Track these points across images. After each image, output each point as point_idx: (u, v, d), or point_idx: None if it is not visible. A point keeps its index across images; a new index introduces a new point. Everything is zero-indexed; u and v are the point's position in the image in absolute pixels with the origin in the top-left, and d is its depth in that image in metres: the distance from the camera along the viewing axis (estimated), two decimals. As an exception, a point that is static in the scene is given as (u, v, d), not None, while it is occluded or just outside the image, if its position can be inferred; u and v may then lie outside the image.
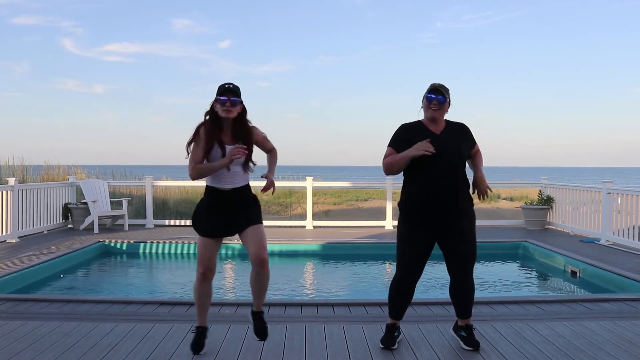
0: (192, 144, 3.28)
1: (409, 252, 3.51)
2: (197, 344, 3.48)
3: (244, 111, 3.32)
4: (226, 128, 3.29)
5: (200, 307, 3.49)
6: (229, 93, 3.22)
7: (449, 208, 3.44)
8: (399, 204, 3.60)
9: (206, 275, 3.35)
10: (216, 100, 3.25)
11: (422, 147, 3.32)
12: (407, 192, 3.54)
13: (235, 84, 3.29)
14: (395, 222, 10.59)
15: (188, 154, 3.29)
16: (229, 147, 3.25)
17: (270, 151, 3.55)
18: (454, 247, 3.51)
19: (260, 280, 3.36)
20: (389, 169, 3.51)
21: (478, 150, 3.66)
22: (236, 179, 3.31)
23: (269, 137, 3.51)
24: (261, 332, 3.44)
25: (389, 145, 3.56)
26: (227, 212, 3.31)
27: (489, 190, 3.52)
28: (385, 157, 3.54)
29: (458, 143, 3.48)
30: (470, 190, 3.54)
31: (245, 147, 3.24)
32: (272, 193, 3.48)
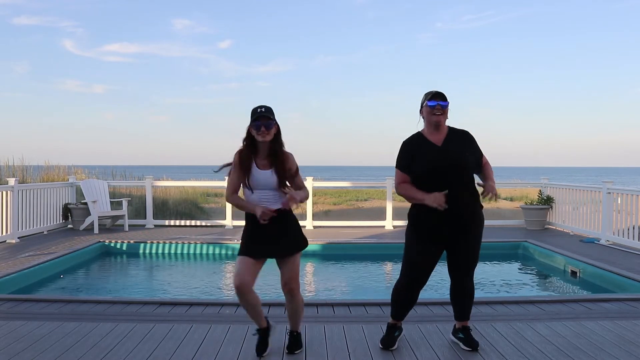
0: (231, 169, 3.36)
1: (418, 267, 3.49)
2: (261, 345, 3.49)
3: (278, 132, 3.34)
4: (262, 151, 3.32)
5: (250, 315, 3.46)
6: (262, 118, 3.23)
7: (458, 220, 3.41)
8: (409, 214, 3.56)
9: (240, 289, 3.28)
10: (251, 126, 3.26)
11: (437, 202, 3.26)
12: (417, 205, 3.47)
13: (268, 105, 3.30)
14: (396, 223, 10.70)
15: (228, 175, 3.40)
16: (265, 172, 3.28)
17: (299, 189, 3.45)
18: (459, 252, 3.50)
19: (291, 306, 3.49)
20: (403, 196, 3.54)
21: (487, 163, 3.59)
22: (268, 203, 3.29)
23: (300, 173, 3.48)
24: (293, 348, 3.52)
25: (397, 167, 3.52)
26: (261, 237, 3.32)
27: (494, 196, 3.42)
28: (399, 182, 3.51)
29: (461, 152, 3.42)
30: (482, 193, 3.46)
31: (271, 214, 3.23)
32: (264, 218, 3.24)
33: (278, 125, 3.33)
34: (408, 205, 3.58)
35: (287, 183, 3.37)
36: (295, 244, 3.40)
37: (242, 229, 3.45)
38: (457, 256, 3.52)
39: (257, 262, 3.34)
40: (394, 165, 3.54)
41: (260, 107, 3.28)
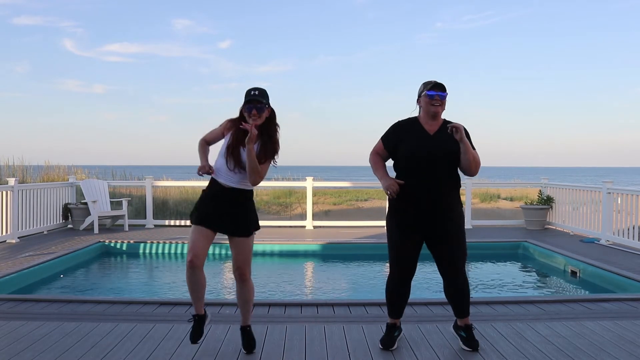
0: (221, 127, 3.38)
1: (401, 254, 3.52)
2: (195, 332, 3.42)
3: (272, 114, 3.32)
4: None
5: (194, 295, 3.43)
6: (254, 101, 3.22)
7: (437, 211, 3.43)
8: (388, 202, 3.61)
9: (193, 262, 3.26)
10: (243, 106, 3.26)
11: (390, 189, 3.39)
12: (397, 194, 3.49)
13: (262, 88, 3.28)
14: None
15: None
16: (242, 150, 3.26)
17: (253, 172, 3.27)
18: (444, 252, 3.51)
19: (242, 292, 3.45)
20: (370, 165, 3.65)
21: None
22: (234, 178, 3.30)
23: (273, 162, 3.37)
24: (248, 347, 3.48)
25: (381, 138, 3.61)
26: (218, 207, 3.32)
27: (458, 131, 3.31)
28: (374, 150, 3.63)
29: (451, 144, 3.42)
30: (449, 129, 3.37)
31: (207, 171, 3.28)
32: (202, 171, 3.31)
33: (272, 109, 3.31)
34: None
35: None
36: (249, 226, 3.37)
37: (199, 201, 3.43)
38: (440, 247, 3.51)
39: (210, 234, 3.32)
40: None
41: (254, 89, 3.25)
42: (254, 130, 3.13)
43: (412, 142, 3.45)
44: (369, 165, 3.65)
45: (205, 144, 3.45)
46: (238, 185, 3.31)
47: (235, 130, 3.30)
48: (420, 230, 3.48)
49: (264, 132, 3.30)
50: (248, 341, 3.51)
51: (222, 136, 3.38)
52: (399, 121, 3.60)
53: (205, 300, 3.54)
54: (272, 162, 3.37)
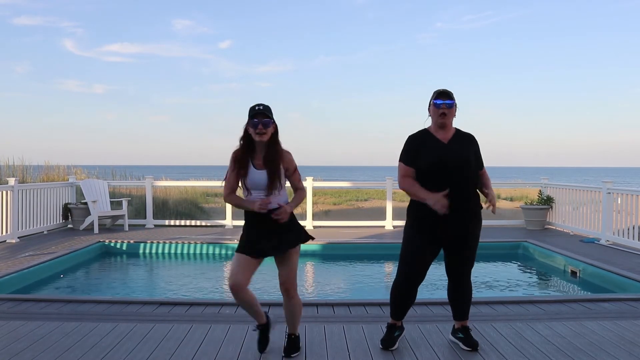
0: (228, 170, 3.33)
1: (415, 263, 3.48)
2: (261, 341, 3.50)
3: (276, 131, 3.29)
4: (259, 150, 3.28)
5: (249, 312, 3.45)
6: (260, 115, 3.19)
7: (459, 220, 3.40)
8: (408, 210, 3.55)
9: (234, 289, 3.27)
10: (248, 123, 3.23)
11: (440, 204, 3.24)
12: (418, 204, 3.46)
13: (266, 104, 3.26)
14: (396, 223, 10.69)
15: (225, 178, 3.37)
16: (260, 172, 3.24)
17: (297, 190, 3.45)
18: (457, 260, 3.52)
19: (288, 307, 3.44)
20: (405, 191, 3.52)
21: (485, 173, 3.59)
22: (273, 201, 3.26)
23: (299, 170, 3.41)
24: (287, 351, 3.47)
25: (401, 160, 3.50)
26: (259, 234, 3.29)
27: (493, 207, 3.44)
28: (402, 176, 3.48)
29: (467, 152, 3.43)
30: (485, 205, 3.48)
31: (268, 202, 3.21)
32: (279, 221, 3.23)
33: (276, 125, 3.28)
34: (408, 205, 3.58)
35: (284, 182, 3.33)
36: (291, 242, 3.34)
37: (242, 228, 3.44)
38: (455, 256, 3.52)
39: (253, 260, 3.29)
40: (395, 164, 3.54)
41: (259, 105, 3.24)
42: (264, 206, 3.17)
43: (429, 153, 3.40)
44: (399, 185, 3.54)
45: (233, 194, 3.37)
46: (273, 207, 3.27)
47: (236, 159, 3.27)
48: (441, 237, 3.45)
49: (269, 154, 3.26)
50: (293, 347, 3.48)
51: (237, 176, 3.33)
52: (410, 135, 3.55)
53: (206, 300, 3.54)
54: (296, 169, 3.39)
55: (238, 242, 3.39)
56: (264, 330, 3.51)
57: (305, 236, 3.43)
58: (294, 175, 3.40)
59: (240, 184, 3.33)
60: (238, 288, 3.25)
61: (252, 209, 3.22)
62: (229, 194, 3.37)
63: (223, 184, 3.38)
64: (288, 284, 3.34)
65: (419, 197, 3.38)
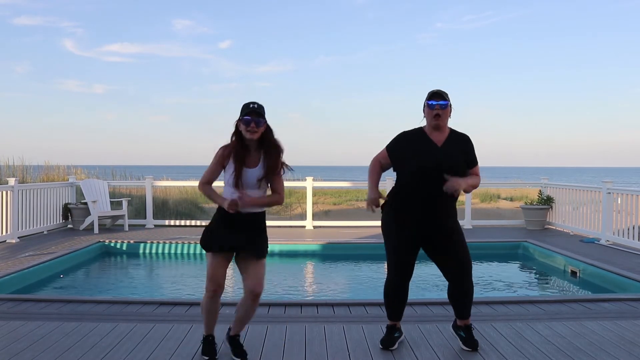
0: (214, 159, 3.27)
1: (399, 258, 3.50)
2: (210, 351, 3.42)
3: (268, 130, 3.25)
4: (252, 149, 3.25)
5: (209, 320, 3.43)
6: (253, 114, 3.16)
7: (441, 220, 3.42)
8: (388, 202, 3.54)
9: (217, 293, 3.29)
10: (240, 120, 3.20)
11: (373, 204, 3.48)
12: (400, 198, 3.48)
13: (260, 103, 3.23)
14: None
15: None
16: (251, 170, 3.21)
17: (276, 193, 3.34)
18: (452, 261, 3.51)
19: (248, 311, 3.36)
20: (368, 172, 3.62)
21: (477, 175, 3.55)
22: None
23: (282, 174, 3.33)
24: (242, 354, 3.39)
25: (386, 148, 3.54)
26: (235, 231, 3.25)
27: (455, 193, 3.35)
28: (377, 158, 3.58)
29: (459, 157, 3.42)
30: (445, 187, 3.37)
31: (236, 204, 3.13)
32: (231, 209, 3.14)
33: (268, 125, 3.25)
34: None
35: (268, 181, 3.28)
36: (260, 249, 3.30)
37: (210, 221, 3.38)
38: (447, 256, 3.51)
39: (228, 258, 3.29)
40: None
41: (253, 103, 3.21)
42: (237, 202, 3.12)
43: (420, 153, 3.40)
44: (370, 165, 3.62)
45: (208, 185, 3.34)
46: (254, 210, 3.26)
47: (234, 155, 3.22)
48: (421, 238, 3.47)
49: (264, 149, 3.24)
50: (240, 349, 3.43)
51: (222, 167, 3.27)
52: (404, 131, 3.55)
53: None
54: (283, 171, 3.31)
55: (203, 239, 3.32)
56: (211, 341, 3.45)
57: (266, 250, 3.36)
58: (278, 176, 3.30)
59: (232, 181, 3.22)
60: (220, 291, 3.28)
61: (222, 205, 3.18)
62: (205, 184, 3.32)
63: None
64: (259, 288, 3.27)
65: (368, 182, 3.56)
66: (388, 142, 3.56)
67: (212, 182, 3.35)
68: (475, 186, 3.52)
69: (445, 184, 3.30)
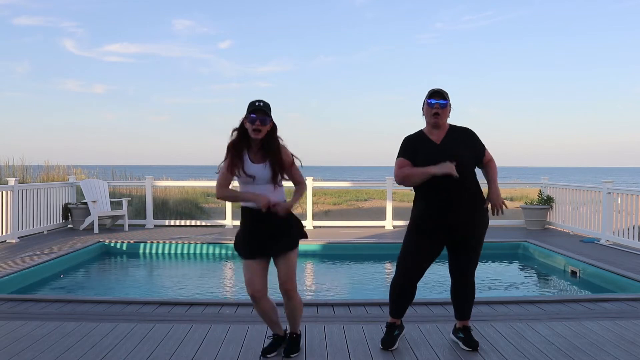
0: (224, 162, 3.25)
1: (413, 261, 3.49)
2: (268, 347, 3.46)
3: (273, 129, 3.24)
4: (255, 145, 3.24)
5: (266, 321, 3.46)
6: (259, 112, 3.16)
7: (460, 219, 3.39)
8: (412, 214, 3.55)
9: (255, 297, 3.28)
10: (246, 118, 3.19)
11: (447, 168, 3.23)
12: (418, 207, 3.49)
13: (266, 101, 3.22)
14: (396, 222, 10.70)
15: (218, 171, 3.28)
16: (257, 166, 3.21)
17: (298, 184, 3.40)
18: (462, 261, 3.51)
19: (288, 307, 3.40)
20: (405, 179, 3.42)
21: (490, 160, 3.55)
22: (272, 197, 3.22)
23: (298, 164, 3.33)
24: (287, 351, 3.44)
25: (399, 156, 3.48)
26: (261, 233, 3.25)
27: (504, 207, 3.45)
28: (399, 167, 3.43)
29: (460, 150, 3.39)
30: (486, 205, 3.45)
31: (270, 205, 3.14)
32: (265, 207, 3.14)
33: (274, 124, 3.25)
34: (408, 205, 3.57)
35: (283, 177, 3.29)
36: (289, 241, 3.30)
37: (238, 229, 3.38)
38: (458, 257, 3.52)
39: (262, 262, 3.28)
40: (394, 162, 3.51)
41: (259, 101, 3.21)
42: (265, 203, 3.11)
43: (422, 156, 3.39)
44: (396, 179, 3.46)
45: (226, 187, 3.31)
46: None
47: (235, 151, 3.21)
48: (443, 238, 3.45)
49: (268, 148, 3.23)
50: (293, 347, 3.46)
51: (231, 174, 3.26)
52: (406, 136, 3.54)
53: (206, 300, 3.53)
54: (296, 163, 3.32)
55: (236, 245, 3.34)
56: (277, 340, 3.49)
57: (301, 235, 3.40)
58: (292, 168, 3.33)
59: (238, 175, 3.23)
60: (260, 295, 3.27)
61: (252, 200, 3.16)
62: (222, 188, 3.29)
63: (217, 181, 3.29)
64: (288, 284, 3.29)
65: (425, 174, 3.31)
66: (398, 152, 3.50)
67: (229, 183, 3.33)
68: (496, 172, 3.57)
69: (491, 205, 3.42)
